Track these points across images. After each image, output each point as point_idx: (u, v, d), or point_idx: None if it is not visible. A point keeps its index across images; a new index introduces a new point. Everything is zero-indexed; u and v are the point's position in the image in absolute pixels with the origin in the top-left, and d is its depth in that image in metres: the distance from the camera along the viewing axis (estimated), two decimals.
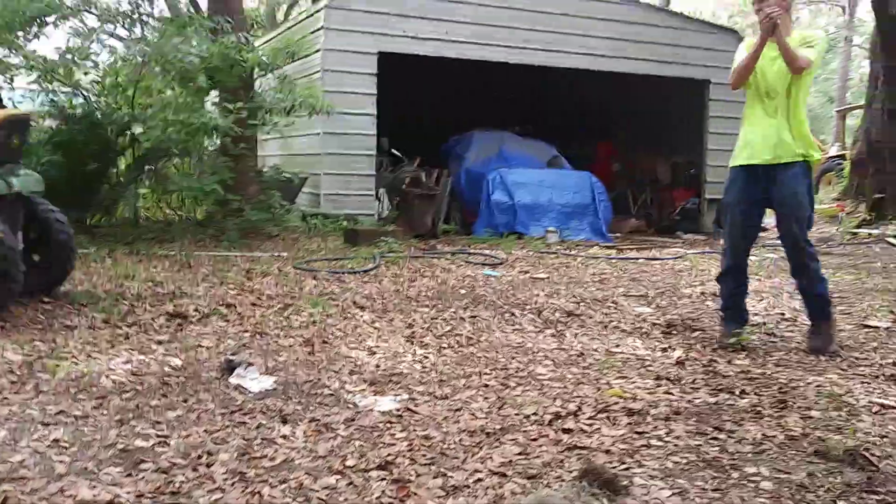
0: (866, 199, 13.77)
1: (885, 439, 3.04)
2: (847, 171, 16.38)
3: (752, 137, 4.67)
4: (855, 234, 11.83)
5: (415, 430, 2.99)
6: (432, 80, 13.98)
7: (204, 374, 3.74)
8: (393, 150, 11.06)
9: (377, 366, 3.95)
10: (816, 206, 17.04)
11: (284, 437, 2.91)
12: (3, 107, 4.86)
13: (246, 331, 4.69)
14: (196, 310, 5.20)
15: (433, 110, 14.81)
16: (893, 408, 3.46)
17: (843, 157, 17.69)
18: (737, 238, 4.74)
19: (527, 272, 7.61)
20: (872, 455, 2.83)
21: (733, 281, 4.76)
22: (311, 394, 3.46)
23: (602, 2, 12.06)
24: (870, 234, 11.48)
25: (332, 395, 3.44)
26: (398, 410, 3.23)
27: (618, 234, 11.66)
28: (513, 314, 5.50)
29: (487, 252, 8.85)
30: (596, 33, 11.67)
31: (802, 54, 4.46)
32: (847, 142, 19.13)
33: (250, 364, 3.76)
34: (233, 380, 3.60)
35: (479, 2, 10.99)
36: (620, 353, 4.42)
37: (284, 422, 3.07)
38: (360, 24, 10.24)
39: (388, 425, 3.06)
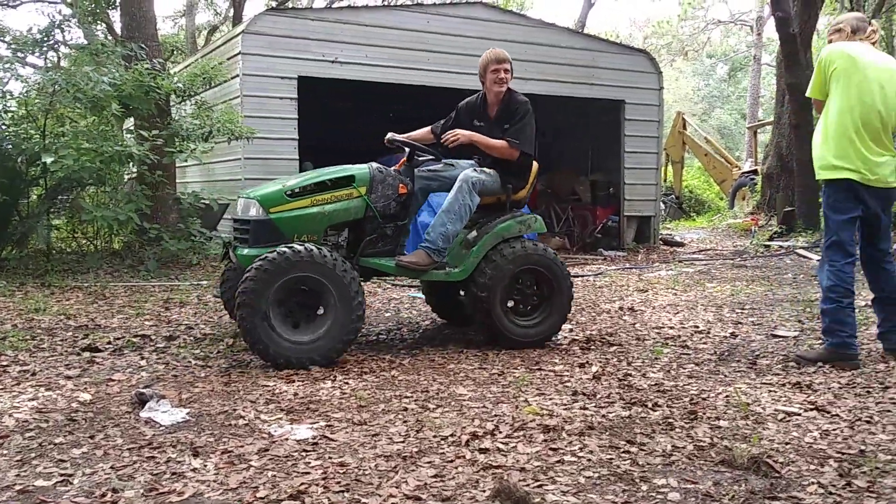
0: (777, 212, 14.32)
1: (788, 446, 3.15)
2: (760, 186, 17.04)
3: None
4: (767, 246, 12.29)
5: (330, 458, 2.96)
6: (355, 102, 14.01)
7: (114, 408, 3.62)
8: None
9: (295, 394, 3.89)
10: (732, 221, 17.73)
11: (195, 470, 2.84)
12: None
13: (162, 363, 4.57)
14: (109, 343, 5.06)
15: (357, 133, 14.81)
16: (797, 414, 3.59)
17: (755, 172, 18.39)
18: None
19: None
20: (776, 462, 2.93)
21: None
22: (225, 425, 3.38)
23: (520, 25, 12.32)
24: (780, 247, 11.93)
25: (246, 425, 3.38)
26: (314, 438, 3.19)
27: None
28: (436, 335, 5.51)
29: None
30: (514, 56, 11.85)
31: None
32: (759, 157, 19.91)
33: (162, 397, 3.67)
34: (143, 414, 3.50)
35: (398, 26, 11.08)
36: (540, 370, 4.48)
37: (196, 455, 2.99)
38: (278, 49, 10.18)
39: (303, 454, 3.01)
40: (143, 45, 9.12)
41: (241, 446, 3.09)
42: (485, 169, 5.07)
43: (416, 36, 11.19)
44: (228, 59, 10.41)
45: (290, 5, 22.77)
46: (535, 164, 5.29)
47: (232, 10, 22.48)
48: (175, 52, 21.76)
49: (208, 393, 3.91)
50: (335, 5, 22.97)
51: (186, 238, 9.16)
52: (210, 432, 3.28)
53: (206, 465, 2.88)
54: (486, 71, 5.14)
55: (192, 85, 9.48)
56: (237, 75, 10.15)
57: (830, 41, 4.70)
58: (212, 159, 10.50)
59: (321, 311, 4.49)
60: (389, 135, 5.11)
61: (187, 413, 3.53)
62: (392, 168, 5.01)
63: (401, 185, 4.91)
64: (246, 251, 4.63)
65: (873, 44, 4.64)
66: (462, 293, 5.52)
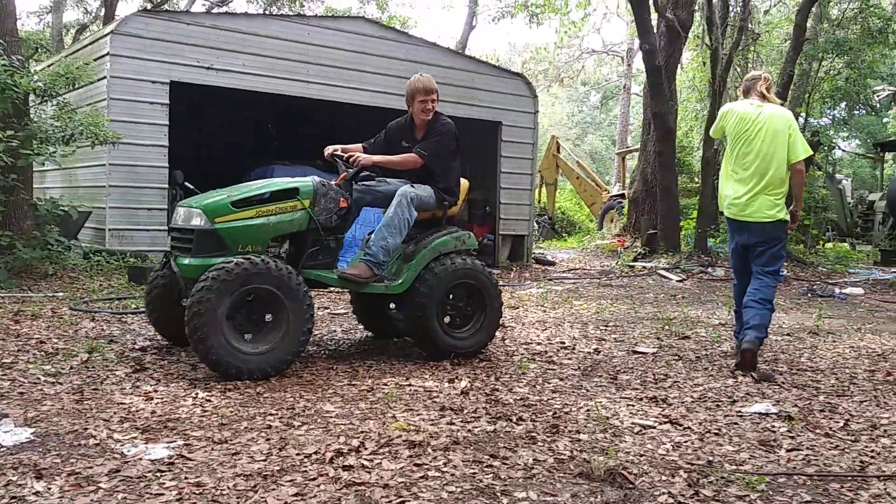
0: (642, 234, 15.00)
1: (642, 457, 3.29)
2: (626, 209, 17.81)
3: None
4: (632, 266, 12.84)
5: (186, 478, 2.84)
6: (232, 111, 13.68)
7: None
8: (186, 184, 10.64)
9: (153, 411, 3.72)
10: (600, 242, 18.47)
11: (37, 493, 2.65)
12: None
13: (7, 379, 4.27)
14: None
15: (234, 143, 14.47)
16: (652, 427, 3.75)
17: (623, 196, 19.21)
18: None
19: (326, 308, 7.56)
20: (630, 473, 3.04)
21: None
22: (74, 445, 3.19)
23: (402, 43, 12.40)
24: (644, 267, 12.49)
25: (97, 445, 3.20)
26: (170, 458, 3.06)
27: None
28: (307, 351, 5.42)
29: None
30: (396, 73, 11.95)
31: None
32: (627, 182, 20.83)
33: (5, 415, 3.43)
34: None
35: (278, 35, 10.92)
36: (409, 385, 4.48)
37: (39, 477, 2.80)
38: (149, 52, 9.82)
39: (158, 474, 2.88)
40: (0, 41, 8.57)
41: (90, 467, 2.92)
42: (420, 185, 5.24)
43: (296, 47, 11.07)
44: (96, 59, 9.93)
45: (166, 8, 22.00)
46: (464, 182, 5.55)
47: (103, 10, 21.50)
48: (39, 50, 20.56)
49: (57, 411, 3.68)
50: (214, 11, 22.38)
51: (42, 247, 8.63)
52: (57, 453, 3.08)
53: (49, 489, 2.71)
54: (414, 100, 5.34)
55: (55, 85, 8.97)
56: (104, 77, 9.70)
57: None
58: (74, 164, 9.98)
59: (270, 321, 4.55)
60: (331, 149, 5.20)
61: (32, 433, 3.30)
62: (332, 182, 5.08)
63: (342, 199, 5.01)
64: (188, 261, 4.58)
65: (767, 91, 5.41)
66: (392, 306, 5.74)
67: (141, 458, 3.04)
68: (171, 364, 4.79)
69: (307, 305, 4.57)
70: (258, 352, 4.45)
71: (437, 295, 5.08)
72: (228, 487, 2.76)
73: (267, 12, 22.45)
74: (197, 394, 4.08)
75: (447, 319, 5.22)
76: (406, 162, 5.22)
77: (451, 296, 5.21)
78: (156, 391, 4.11)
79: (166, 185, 10.14)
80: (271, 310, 4.52)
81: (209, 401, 3.97)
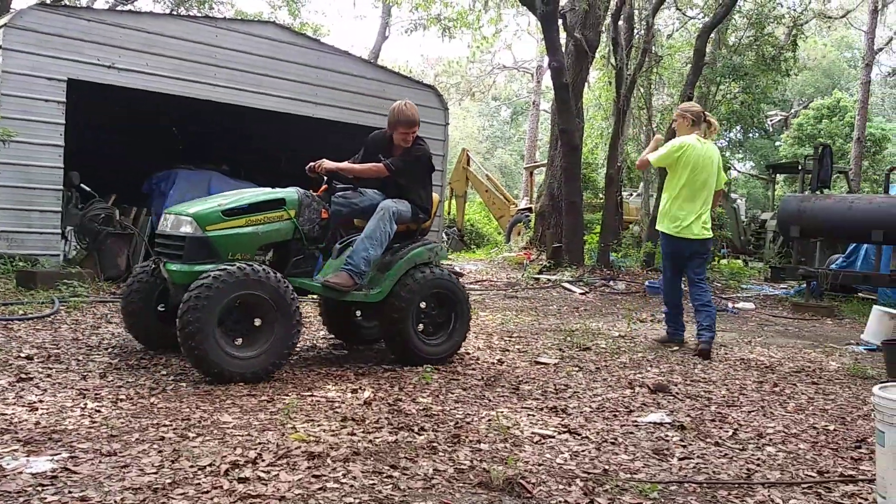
0: (547, 248, 15.28)
1: (541, 467, 3.33)
2: (533, 223, 18.11)
3: None
4: (537, 279, 13.05)
5: (70, 492, 2.71)
6: (134, 112, 13.22)
7: None
8: (82, 186, 10.20)
9: (37, 422, 3.54)
10: (508, 255, 18.68)
11: None
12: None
13: None
14: None
15: (135, 144, 13.97)
16: (552, 437, 3.81)
17: (531, 209, 19.53)
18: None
19: None
20: (528, 482, 3.08)
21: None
22: None
23: (313, 50, 12.27)
24: (549, 280, 12.72)
25: None
26: (53, 471, 2.91)
27: None
28: None
29: None
30: (307, 80, 11.83)
31: (644, 157, 6.94)
32: (534, 196, 21.19)
33: None
34: None
35: (184, 36, 10.63)
36: (311, 396, 4.41)
37: None
38: (46, 48, 9.39)
39: (39, 489, 2.73)
40: None
41: None
42: (400, 199, 5.46)
43: (203, 49, 10.80)
44: None
45: (66, 2, 21.13)
46: (435, 196, 5.84)
47: None
48: None
49: None
50: (118, 9, 21.62)
51: None
52: None
53: None
54: (395, 130, 5.53)
55: None
56: None
57: (675, 121, 6.79)
58: None
59: (259, 327, 4.66)
60: (311, 164, 5.32)
61: None
62: (314, 193, 5.28)
63: (323, 209, 5.23)
64: (177, 267, 4.71)
65: (710, 129, 6.69)
66: (359, 314, 6.03)
67: (21, 472, 2.88)
68: (58, 373, 4.58)
69: (295, 313, 4.71)
70: (247, 356, 4.58)
71: (413, 303, 5.31)
72: (115, 501, 2.65)
73: (174, 13, 21.85)
74: (86, 404, 3.91)
75: (421, 327, 5.42)
76: (369, 170, 5.40)
77: (425, 304, 5.43)
78: (41, 401, 3.91)
79: (61, 187, 9.70)
80: (262, 316, 4.65)
81: (98, 411, 3.80)
